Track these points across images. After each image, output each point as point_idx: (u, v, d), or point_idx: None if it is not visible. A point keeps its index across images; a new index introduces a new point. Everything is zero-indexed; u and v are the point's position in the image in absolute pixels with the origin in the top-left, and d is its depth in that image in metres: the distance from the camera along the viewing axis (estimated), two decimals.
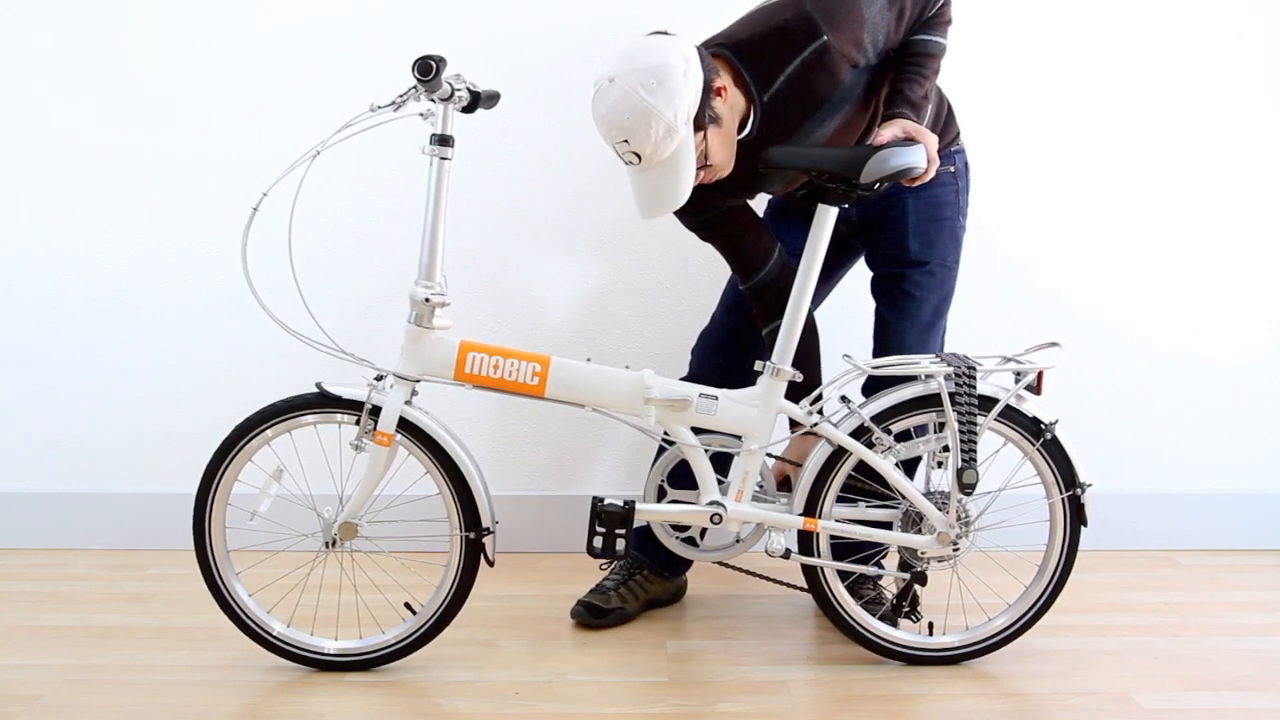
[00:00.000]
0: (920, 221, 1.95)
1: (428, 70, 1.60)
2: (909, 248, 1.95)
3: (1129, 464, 2.56)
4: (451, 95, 1.69)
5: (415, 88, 1.65)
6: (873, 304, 2.03)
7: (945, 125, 1.96)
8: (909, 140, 1.71)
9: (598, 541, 1.77)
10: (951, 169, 1.96)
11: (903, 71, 1.80)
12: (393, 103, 1.70)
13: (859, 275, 2.10)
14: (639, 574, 2.13)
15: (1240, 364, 2.54)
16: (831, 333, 2.14)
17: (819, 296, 2.12)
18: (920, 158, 1.70)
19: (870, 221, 1.99)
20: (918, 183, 1.77)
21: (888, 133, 1.72)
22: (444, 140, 1.72)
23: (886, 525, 1.86)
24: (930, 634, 1.90)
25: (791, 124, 1.77)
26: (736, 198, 1.89)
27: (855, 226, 2.02)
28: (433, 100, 1.68)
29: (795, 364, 1.80)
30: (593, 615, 2.06)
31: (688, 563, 2.17)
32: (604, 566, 2.16)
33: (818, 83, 1.72)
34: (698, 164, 1.69)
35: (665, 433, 1.85)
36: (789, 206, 2.07)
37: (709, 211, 1.87)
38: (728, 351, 2.06)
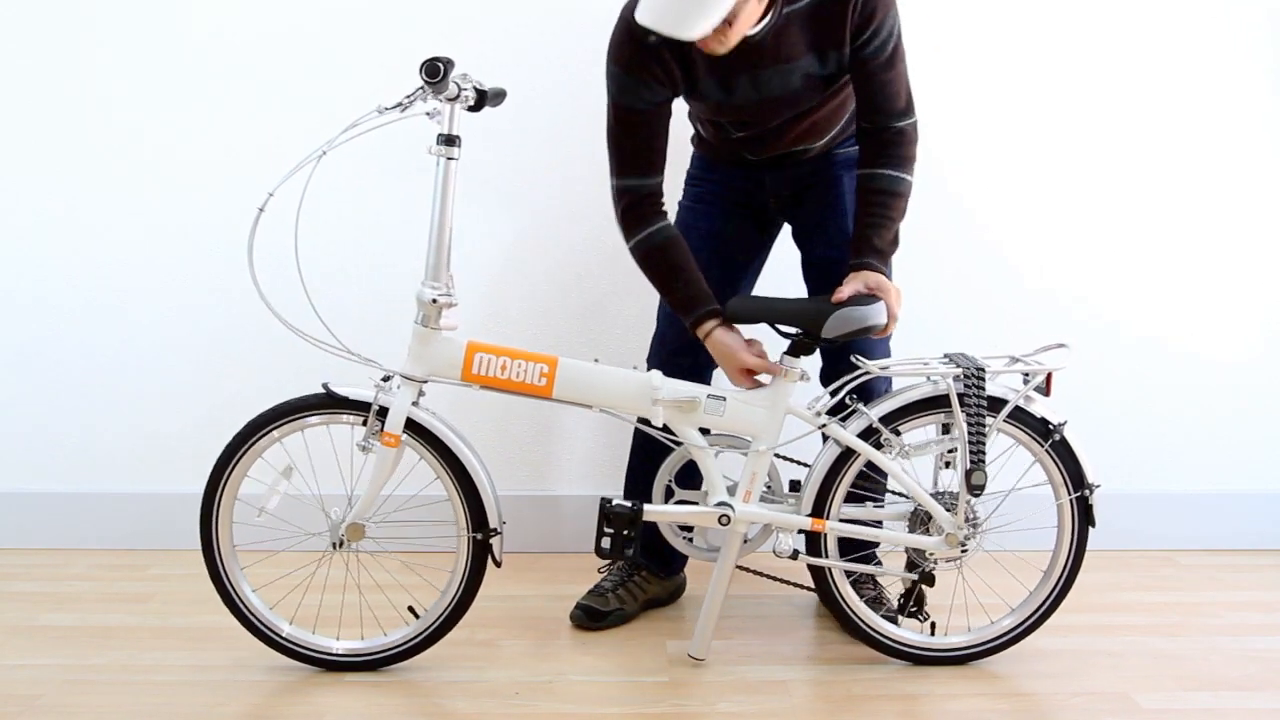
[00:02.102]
0: None
1: (435, 72, 1.59)
2: (849, 232, 1.90)
3: (1129, 464, 2.57)
4: (458, 95, 1.69)
5: (422, 89, 1.65)
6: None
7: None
8: (871, 296, 1.72)
9: (606, 542, 1.77)
10: None
11: (870, 214, 1.78)
12: (399, 104, 1.69)
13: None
14: (637, 574, 2.12)
15: (1240, 364, 2.55)
16: None
17: (752, 277, 2.09)
18: (880, 316, 1.71)
19: (804, 202, 1.96)
20: (878, 337, 1.79)
21: (849, 288, 1.73)
22: (450, 140, 1.71)
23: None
24: (933, 634, 1.91)
25: (785, 54, 1.72)
26: (704, 81, 1.78)
27: (786, 203, 1.99)
28: (439, 100, 1.68)
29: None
30: (592, 619, 2.05)
31: (684, 560, 2.17)
32: (602, 569, 2.17)
33: (826, 26, 1.70)
34: (726, 17, 1.56)
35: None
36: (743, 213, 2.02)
37: (647, 106, 1.79)
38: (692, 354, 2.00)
